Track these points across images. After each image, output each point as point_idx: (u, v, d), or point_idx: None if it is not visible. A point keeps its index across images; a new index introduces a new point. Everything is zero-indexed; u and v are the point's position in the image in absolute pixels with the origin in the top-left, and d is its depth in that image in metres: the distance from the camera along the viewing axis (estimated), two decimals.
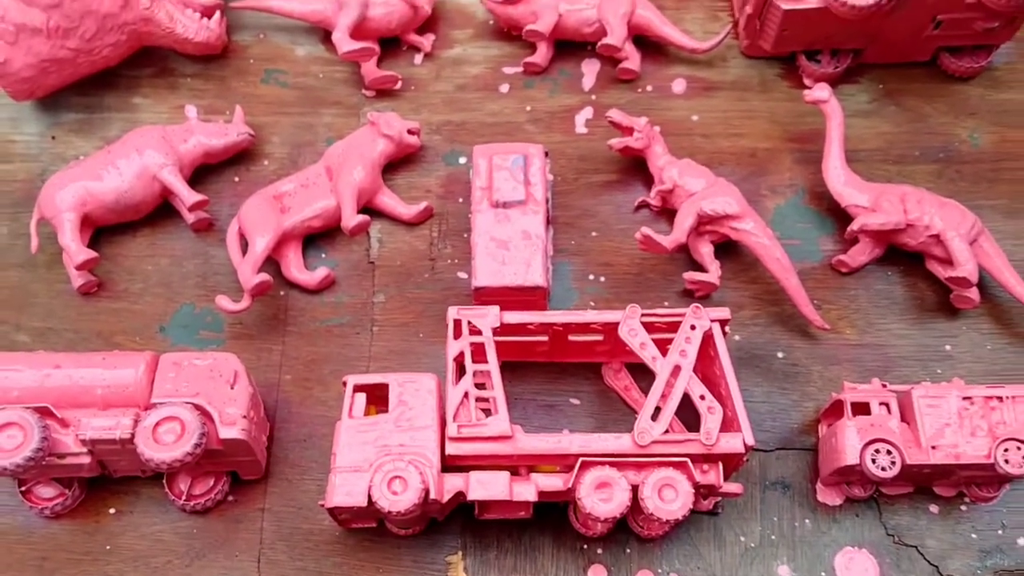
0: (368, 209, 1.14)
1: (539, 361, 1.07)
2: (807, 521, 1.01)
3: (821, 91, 1.12)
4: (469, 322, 0.96)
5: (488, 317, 0.97)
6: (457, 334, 0.96)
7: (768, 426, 1.05)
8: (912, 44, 1.18)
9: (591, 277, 1.13)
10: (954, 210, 1.08)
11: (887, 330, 1.09)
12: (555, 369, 1.08)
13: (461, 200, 1.15)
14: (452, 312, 0.97)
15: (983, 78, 1.21)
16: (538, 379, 1.08)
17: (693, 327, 0.96)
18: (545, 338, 1.02)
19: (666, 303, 1.10)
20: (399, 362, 1.08)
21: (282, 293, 1.11)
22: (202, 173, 1.18)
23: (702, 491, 0.94)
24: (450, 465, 0.92)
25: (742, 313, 1.10)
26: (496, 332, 0.98)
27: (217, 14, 1.21)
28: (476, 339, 0.95)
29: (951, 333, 1.09)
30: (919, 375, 1.07)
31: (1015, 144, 1.17)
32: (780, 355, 1.08)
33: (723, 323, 0.97)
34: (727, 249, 1.12)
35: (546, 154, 1.11)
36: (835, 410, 1.01)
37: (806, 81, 1.19)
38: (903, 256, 1.11)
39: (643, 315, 0.97)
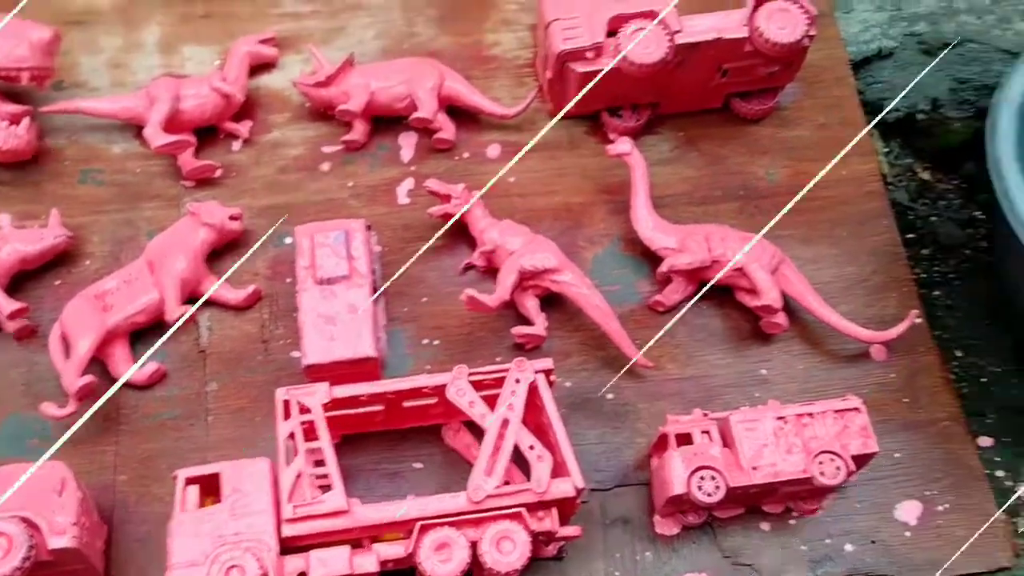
0: (195, 298, 1.14)
1: (379, 430, 1.09)
2: (648, 554, 1.05)
3: (623, 145, 1.20)
4: (299, 401, 0.98)
5: (317, 394, 0.98)
6: (287, 415, 0.97)
7: (604, 465, 1.09)
8: (704, 93, 1.26)
9: (425, 342, 1.16)
10: (757, 243, 1.16)
11: (706, 361, 1.16)
12: (395, 436, 1.09)
13: (289, 280, 1.16)
14: (280, 393, 0.98)
15: (773, 118, 1.30)
16: (379, 448, 1.09)
17: (518, 380, 1.00)
18: (380, 407, 1.04)
19: (499, 358, 1.14)
20: (237, 449, 1.08)
21: (111, 392, 1.09)
22: (22, 280, 1.16)
23: (542, 538, 0.97)
24: (290, 547, 0.93)
25: (570, 360, 1.15)
26: (329, 407, 0.99)
27: (26, 120, 1.20)
28: (307, 417, 0.97)
29: (765, 358, 1.16)
30: (739, 400, 1.13)
31: (807, 176, 1.25)
32: (610, 396, 1.13)
33: (547, 373, 1.01)
34: (552, 301, 1.16)
35: (368, 227, 1.15)
36: (662, 443, 1.06)
37: (611, 136, 1.25)
38: (715, 290, 1.17)
39: (470, 374, 1.00)
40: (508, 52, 1.34)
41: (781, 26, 1.15)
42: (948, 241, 1.34)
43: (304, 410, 0.97)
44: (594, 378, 1.14)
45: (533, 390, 0.99)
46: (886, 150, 1.38)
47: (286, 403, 0.97)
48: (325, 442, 0.95)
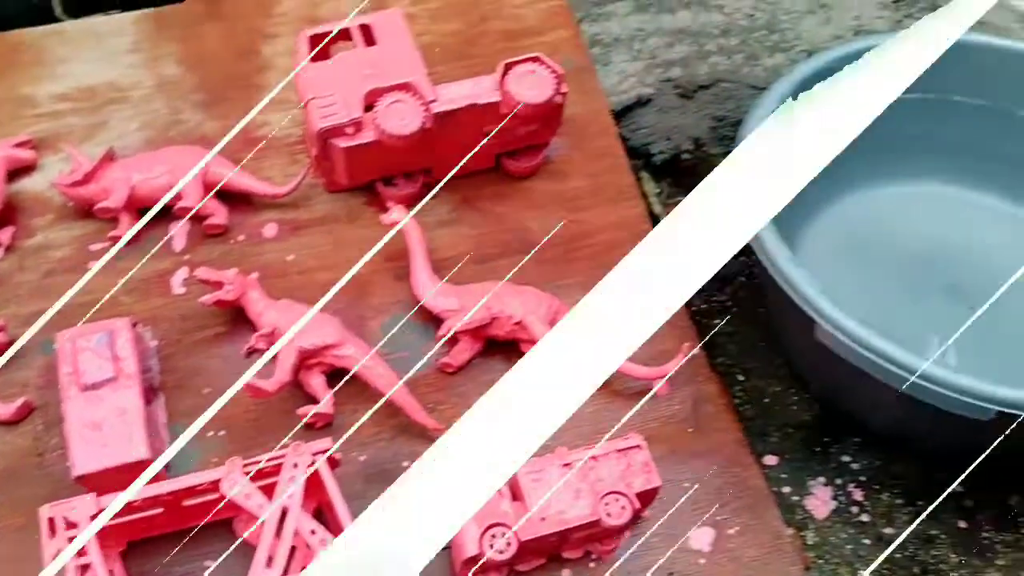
0: None
1: (167, 532, 1.06)
2: None
3: (394, 214, 1.22)
4: (64, 517, 0.94)
5: (83, 507, 0.95)
6: (52, 532, 0.93)
7: None
8: (475, 156, 1.30)
9: (211, 434, 1.13)
10: (531, 296, 1.20)
11: None
12: (184, 536, 1.05)
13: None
14: (43, 511, 0.94)
15: (544, 173, 1.35)
16: (168, 551, 1.05)
17: (295, 465, 0.99)
18: (160, 510, 1.02)
19: (291, 444, 1.13)
20: (19, 570, 1.02)
21: None
22: None
23: None
24: None
25: (364, 432, 1.14)
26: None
27: None
28: (74, 533, 0.94)
29: None
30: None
31: (579, 225, 1.30)
32: (406, 464, 1.13)
33: (326, 453, 1.01)
34: (341, 375, 1.16)
35: (135, 324, 1.12)
36: None
37: (388, 205, 1.28)
38: (501, 345, 1.20)
39: (245, 465, 0.99)
40: (278, 131, 1.35)
41: (531, 87, 1.20)
42: (724, 271, 1.41)
43: (71, 525, 0.94)
44: (390, 448, 1.14)
45: (315, 472, 0.99)
46: (658, 191, 1.46)
47: (50, 520, 0.93)
48: (95, 556, 0.92)
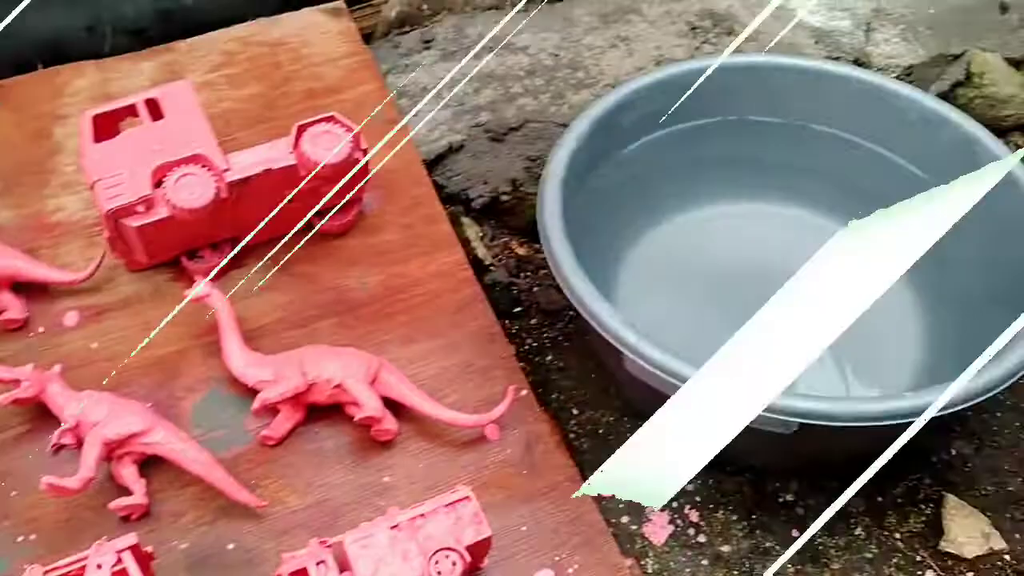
0: None
1: None
2: None
3: (197, 288, 1.19)
4: None
5: None
6: None
7: None
8: (280, 219, 1.28)
9: (20, 539, 1.07)
10: (350, 357, 1.17)
11: (327, 483, 1.14)
12: None
13: None
14: None
15: (358, 229, 1.34)
16: None
17: (99, 566, 0.95)
18: None
19: (106, 537, 1.08)
20: None
21: None
22: None
23: None
24: None
25: (184, 519, 1.10)
26: None
27: None
28: None
29: (386, 464, 1.17)
30: (365, 515, 1.12)
31: (399, 278, 1.30)
32: (231, 547, 1.09)
33: (134, 549, 0.97)
34: (157, 461, 1.12)
35: None
36: None
37: (196, 279, 1.24)
38: (326, 410, 1.17)
39: (46, 572, 0.94)
40: (74, 215, 1.30)
41: (327, 147, 1.19)
42: (551, 307, 1.43)
43: None
44: (213, 532, 1.10)
45: (123, 571, 0.95)
46: (481, 235, 1.47)
47: None
48: None
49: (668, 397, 1.07)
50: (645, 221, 1.43)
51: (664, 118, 1.36)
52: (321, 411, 1.17)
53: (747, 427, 1.02)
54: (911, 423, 1.00)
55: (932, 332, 1.33)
